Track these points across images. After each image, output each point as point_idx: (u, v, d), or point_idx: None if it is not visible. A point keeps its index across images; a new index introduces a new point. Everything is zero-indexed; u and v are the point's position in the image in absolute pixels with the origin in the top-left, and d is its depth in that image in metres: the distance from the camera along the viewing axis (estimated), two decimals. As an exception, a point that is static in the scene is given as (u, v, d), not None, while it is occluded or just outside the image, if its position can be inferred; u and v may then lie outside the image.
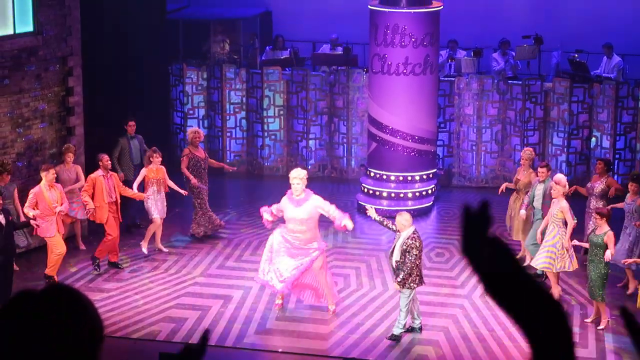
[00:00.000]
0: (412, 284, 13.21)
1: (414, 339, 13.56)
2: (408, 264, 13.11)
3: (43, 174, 14.97)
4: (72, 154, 16.45)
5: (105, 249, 15.84)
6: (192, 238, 17.28)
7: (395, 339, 13.43)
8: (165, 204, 16.62)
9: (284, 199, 14.12)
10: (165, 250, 16.77)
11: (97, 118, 18.09)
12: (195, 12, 22.79)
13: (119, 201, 15.96)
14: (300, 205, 13.91)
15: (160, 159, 16.50)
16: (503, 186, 16.63)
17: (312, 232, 14.01)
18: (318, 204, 13.96)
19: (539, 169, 15.70)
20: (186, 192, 16.79)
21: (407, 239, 13.11)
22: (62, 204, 15.09)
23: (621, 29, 20.97)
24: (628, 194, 15.18)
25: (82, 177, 16.47)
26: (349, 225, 13.96)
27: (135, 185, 16.41)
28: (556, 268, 14.34)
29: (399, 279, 13.24)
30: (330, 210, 14.00)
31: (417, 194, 18.84)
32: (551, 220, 14.53)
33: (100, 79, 18.51)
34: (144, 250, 16.55)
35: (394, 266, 13.34)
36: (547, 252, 14.35)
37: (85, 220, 16.77)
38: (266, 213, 14.22)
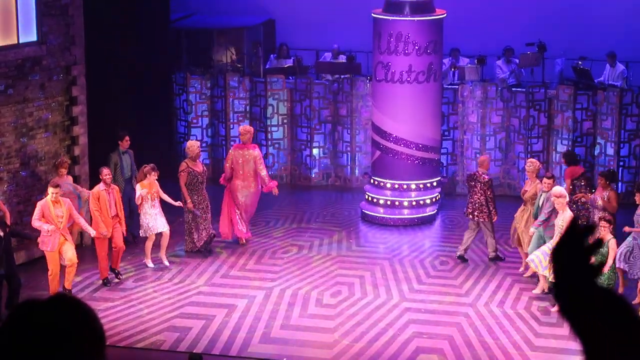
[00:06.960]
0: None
1: (417, 347, 13.54)
2: None
3: (48, 189, 14.91)
4: (64, 169, 16.30)
5: (104, 265, 15.76)
6: (189, 253, 17.10)
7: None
8: (162, 215, 16.54)
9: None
10: (166, 263, 16.60)
11: (101, 127, 18.08)
12: (198, 21, 22.81)
13: (122, 215, 15.94)
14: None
15: (157, 176, 16.40)
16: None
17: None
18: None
19: (545, 180, 15.51)
20: (179, 203, 16.72)
21: None
22: (69, 221, 15.00)
23: (625, 36, 20.95)
24: None
25: (76, 186, 16.49)
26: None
27: (138, 200, 16.29)
28: None
29: None
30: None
31: (421, 202, 18.81)
32: (557, 231, 14.40)
33: (104, 88, 18.49)
34: (150, 265, 16.50)
35: None
36: None
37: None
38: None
